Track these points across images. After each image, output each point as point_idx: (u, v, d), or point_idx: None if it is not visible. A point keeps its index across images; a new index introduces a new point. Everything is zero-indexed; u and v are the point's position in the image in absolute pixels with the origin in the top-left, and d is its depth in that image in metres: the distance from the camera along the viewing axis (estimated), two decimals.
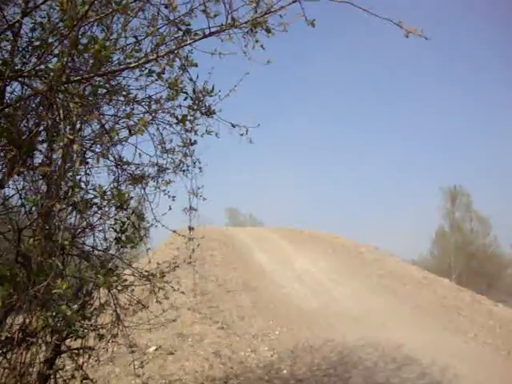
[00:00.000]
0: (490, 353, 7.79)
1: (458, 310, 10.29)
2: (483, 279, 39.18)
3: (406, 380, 6.31)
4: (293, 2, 2.23)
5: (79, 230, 3.33)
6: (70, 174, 2.03)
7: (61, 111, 1.85)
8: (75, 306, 3.18)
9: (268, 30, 2.40)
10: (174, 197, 3.77)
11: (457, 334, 8.64)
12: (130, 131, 2.64)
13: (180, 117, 2.97)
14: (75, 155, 1.92)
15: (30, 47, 2.36)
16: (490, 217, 43.72)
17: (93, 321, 3.23)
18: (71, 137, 1.82)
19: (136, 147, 3.33)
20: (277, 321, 9.15)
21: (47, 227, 2.48)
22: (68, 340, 3.22)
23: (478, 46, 72.07)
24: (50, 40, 2.13)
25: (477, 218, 44.18)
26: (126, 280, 2.99)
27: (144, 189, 3.50)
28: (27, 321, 2.48)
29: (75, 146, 1.81)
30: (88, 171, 2.74)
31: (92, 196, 2.99)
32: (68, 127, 2.13)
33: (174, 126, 3.28)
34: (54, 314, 1.93)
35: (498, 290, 35.37)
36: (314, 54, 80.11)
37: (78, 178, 2.60)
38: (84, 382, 3.39)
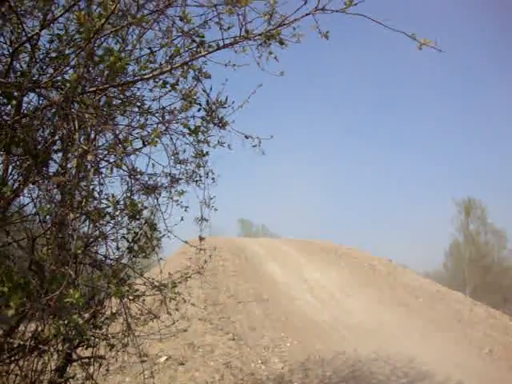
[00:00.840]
0: (505, 370, 7.64)
1: (472, 324, 10.13)
2: (498, 293, 38.54)
3: None
4: (306, 15, 2.24)
5: (92, 239, 3.35)
6: (84, 183, 2.04)
7: (76, 122, 1.87)
8: (87, 315, 3.20)
9: (281, 43, 2.42)
10: (186, 207, 3.78)
11: (471, 350, 8.50)
12: (143, 142, 2.66)
13: (193, 128, 2.99)
14: (89, 165, 1.94)
15: (47, 58, 2.40)
16: (505, 229, 43.22)
17: (104, 330, 3.24)
18: (85, 147, 1.84)
19: (149, 157, 3.35)
20: (288, 333, 9.09)
21: (61, 236, 2.50)
22: (79, 349, 3.23)
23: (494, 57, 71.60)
24: (67, 52, 2.17)
25: (491, 231, 43.66)
26: (137, 290, 2.99)
27: (157, 199, 3.51)
28: (39, 329, 2.49)
29: (89, 157, 1.82)
30: (102, 181, 2.76)
31: (105, 206, 3.01)
32: (82, 137, 2.16)
33: (188, 136, 3.31)
34: (65, 322, 1.94)
35: None
36: (325, 65, 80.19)
37: (91, 187, 2.63)
38: None
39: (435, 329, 9.60)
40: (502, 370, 7.57)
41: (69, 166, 2.32)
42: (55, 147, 2.87)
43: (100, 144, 3.18)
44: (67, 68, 2.19)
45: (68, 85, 1.97)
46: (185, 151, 3.56)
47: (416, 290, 12.92)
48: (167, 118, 2.97)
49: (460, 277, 41.27)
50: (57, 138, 2.76)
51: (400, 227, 72.18)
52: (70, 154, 2.27)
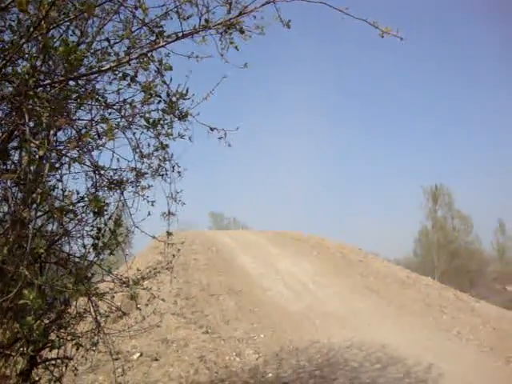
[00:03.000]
0: (474, 350, 7.86)
1: (441, 308, 10.37)
2: (465, 277, 39.64)
3: (391, 380, 6.33)
4: (266, 3, 2.21)
5: (57, 238, 3.26)
6: (41, 179, 1.97)
7: (26, 116, 1.80)
8: (53, 316, 3.12)
9: (242, 31, 2.38)
10: (153, 202, 3.72)
11: (440, 332, 8.70)
12: (98, 135, 2.59)
13: (152, 121, 2.93)
14: (44, 161, 1.87)
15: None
16: (471, 215, 44.38)
17: (70, 330, 3.16)
18: (37, 142, 1.77)
19: (113, 152, 3.28)
20: (262, 324, 9.12)
21: (21, 235, 2.42)
22: (45, 351, 3.15)
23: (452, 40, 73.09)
24: (19, 42, 2.08)
25: (458, 217, 44.77)
26: (97, 288, 2.92)
27: (122, 194, 3.44)
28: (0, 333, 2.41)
29: (40, 152, 1.75)
30: (61, 177, 2.68)
31: (68, 202, 2.93)
32: (38, 131, 2.08)
33: (151, 130, 3.24)
34: (22, 325, 1.87)
35: (479, 287, 35.78)
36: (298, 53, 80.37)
37: (50, 184, 2.55)
38: None
39: (406, 314, 9.80)
40: (469, 351, 7.79)
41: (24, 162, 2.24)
42: (13, 144, 2.78)
43: (62, 140, 3.10)
44: (21, 61, 2.11)
45: (20, 77, 1.90)
46: (149, 145, 3.50)
47: (387, 276, 13.15)
48: (129, 111, 2.91)
49: (429, 263, 42.23)
50: (15, 134, 2.67)
51: (370, 216, 73.21)
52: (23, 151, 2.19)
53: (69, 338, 3.17)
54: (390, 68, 77.09)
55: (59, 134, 3.01)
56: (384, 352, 7.37)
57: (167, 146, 3.23)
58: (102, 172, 3.40)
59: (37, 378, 3.04)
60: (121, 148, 3.32)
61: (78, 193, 3.26)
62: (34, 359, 2.97)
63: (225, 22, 2.26)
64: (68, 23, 2.43)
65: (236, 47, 2.50)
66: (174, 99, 2.76)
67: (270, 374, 6.85)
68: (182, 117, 2.90)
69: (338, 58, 79.37)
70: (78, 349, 3.28)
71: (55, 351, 3.18)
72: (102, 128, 2.73)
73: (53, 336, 2.91)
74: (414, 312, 9.95)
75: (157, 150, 3.27)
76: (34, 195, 1.89)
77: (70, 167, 2.75)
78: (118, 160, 3.41)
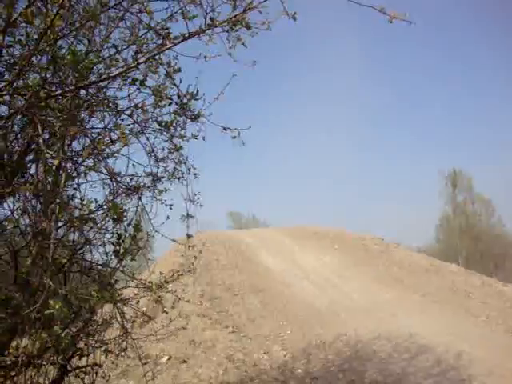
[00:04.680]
0: (503, 334, 7.75)
1: (468, 293, 10.25)
2: (490, 261, 39.10)
3: (421, 369, 6.27)
4: None
5: (79, 247, 3.29)
6: (58, 190, 1.98)
7: (39, 126, 1.81)
8: (80, 324, 3.14)
9: (248, 27, 2.37)
10: (171, 205, 3.73)
11: (468, 318, 8.60)
12: (111, 141, 2.60)
13: (164, 123, 2.93)
14: (60, 171, 1.88)
15: (9, 65, 2.32)
16: (493, 198, 43.73)
17: (97, 337, 3.19)
18: (51, 152, 1.78)
19: (129, 158, 3.30)
20: (287, 320, 9.11)
21: (43, 246, 2.44)
22: (75, 359, 3.18)
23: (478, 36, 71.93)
24: (28, 56, 2.09)
25: (479, 201, 44.14)
26: (121, 294, 2.94)
27: (140, 199, 3.46)
28: (30, 343, 2.44)
29: (55, 162, 1.76)
30: (77, 187, 2.70)
31: (87, 211, 2.95)
32: (55, 143, 2.10)
33: (165, 133, 3.25)
34: (50, 335, 1.89)
35: (505, 271, 35.27)
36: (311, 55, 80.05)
37: (68, 193, 2.57)
38: None
39: (432, 302, 9.69)
40: (499, 335, 7.67)
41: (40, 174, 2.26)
42: (30, 157, 2.81)
43: (78, 150, 3.12)
44: (31, 73, 2.12)
45: (31, 90, 1.91)
46: (163, 149, 3.51)
47: (410, 265, 13.02)
48: (141, 116, 2.92)
49: (452, 248, 41.74)
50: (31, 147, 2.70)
51: (388, 204, 72.51)
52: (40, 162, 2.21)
53: (97, 345, 3.20)
54: (405, 51, 76.20)
55: (74, 144, 3.04)
56: (412, 341, 7.30)
57: (181, 147, 3.23)
58: (119, 179, 3.42)
59: None
60: (136, 153, 3.34)
61: (96, 201, 3.29)
62: (65, 368, 3.01)
63: (230, 19, 2.24)
64: (75, 32, 2.44)
65: (244, 44, 2.49)
66: (184, 100, 2.76)
67: (299, 370, 6.84)
68: (195, 118, 2.89)
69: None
70: (107, 355, 3.30)
71: (84, 359, 3.22)
72: (116, 134, 2.74)
73: (81, 344, 2.94)
74: (441, 299, 9.84)
75: (171, 152, 3.27)
76: (53, 206, 1.90)
77: (86, 176, 2.77)
78: (133, 166, 3.43)
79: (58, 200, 1.91)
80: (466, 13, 71.38)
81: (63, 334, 1.79)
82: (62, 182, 1.92)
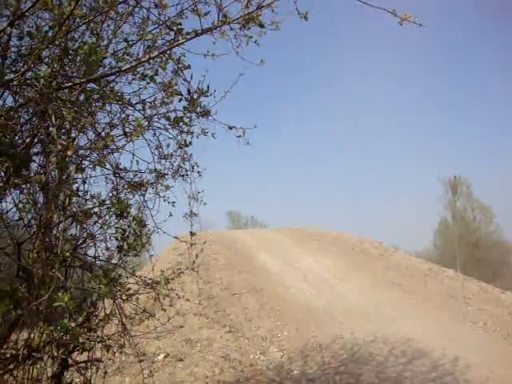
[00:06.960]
0: (500, 341, 7.74)
1: (465, 299, 10.24)
2: (488, 267, 39.10)
3: (417, 373, 6.26)
4: None
5: (81, 241, 3.28)
6: (66, 182, 1.97)
7: (52, 117, 1.80)
8: (80, 319, 3.13)
9: (261, 25, 2.36)
10: (173, 202, 3.72)
11: (465, 324, 8.59)
12: (125, 134, 2.59)
13: (174, 118, 2.92)
14: (70, 162, 1.87)
15: (19, 57, 2.31)
16: (491, 205, 43.75)
17: (98, 332, 3.18)
18: (64, 142, 1.77)
19: (133, 154, 3.29)
20: (284, 321, 9.09)
21: (47, 239, 2.43)
22: (75, 353, 3.16)
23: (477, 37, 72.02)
24: (39, 47, 2.08)
25: (478, 207, 44.18)
26: (129, 289, 2.93)
27: (143, 195, 3.45)
28: (31, 336, 2.43)
29: (69, 152, 1.75)
30: (85, 180, 2.68)
31: (91, 205, 2.94)
32: (62, 134, 2.08)
33: (171, 130, 3.24)
34: (57, 327, 1.88)
35: (503, 278, 35.28)
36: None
37: (74, 186, 2.55)
38: None
39: (429, 306, 9.68)
40: (496, 342, 7.67)
41: (50, 165, 2.24)
42: (36, 149, 2.80)
43: (82, 143, 3.11)
44: (41, 64, 2.11)
45: (42, 81, 1.90)
46: (169, 145, 3.50)
47: (408, 269, 13.02)
48: (149, 111, 2.91)
49: (450, 254, 41.75)
50: (37, 139, 2.68)
51: (386, 208, 72.56)
52: (49, 153, 2.19)
53: (98, 340, 3.19)
54: (406, 54, 76.23)
55: (79, 137, 3.03)
56: (409, 345, 7.29)
57: (190, 143, 3.21)
58: (123, 174, 3.41)
59: (68, 381, 3.06)
60: (140, 150, 3.33)
61: (99, 195, 3.27)
62: (66, 362, 2.99)
63: (244, 16, 2.23)
64: (84, 27, 2.43)
65: (256, 42, 2.48)
66: (195, 96, 2.75)
67: (296, 371, 6.82)
68: (204, 114, 2.88)
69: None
70: (108, 351, 3.29)
71: (84, 354, 3.21)
72: (129, 127, 2.72)
73: (82, 339, 2.92)
74: (438, 304, 9.83)
75: (180, 147, 3.25)
76: (61, 198, 1.89)
77: (94, 169, 2.76)
78: (137, 162, 3.42)
79: (67, 192, 1.90)
80: (466, 13, 71.41)
81: (71, 328, 1.78)
82: (73, 173, 1.91)
